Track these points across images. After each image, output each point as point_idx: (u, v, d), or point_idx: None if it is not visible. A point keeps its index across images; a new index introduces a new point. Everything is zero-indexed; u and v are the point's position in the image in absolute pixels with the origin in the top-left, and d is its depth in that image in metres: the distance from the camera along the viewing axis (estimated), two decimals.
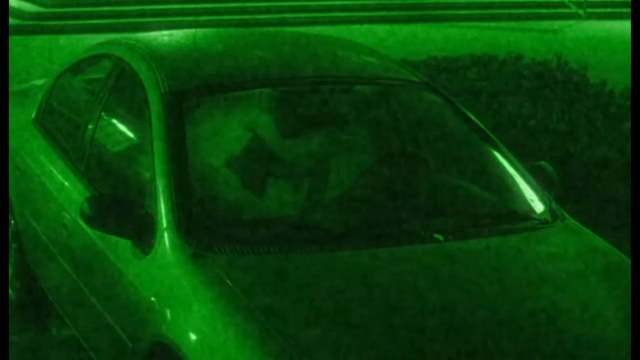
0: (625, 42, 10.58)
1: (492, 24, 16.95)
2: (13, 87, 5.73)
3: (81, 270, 4.11)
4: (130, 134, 4.34)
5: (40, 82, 5.51)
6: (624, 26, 14.85)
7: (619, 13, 17.78)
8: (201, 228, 3.48)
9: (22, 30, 14.43)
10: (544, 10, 18.13)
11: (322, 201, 3.88)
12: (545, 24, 17.19)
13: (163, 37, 4.85)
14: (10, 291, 5.15)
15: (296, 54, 4.60)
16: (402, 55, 9.57)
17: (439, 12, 17.40)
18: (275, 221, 3.71)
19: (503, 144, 4.25)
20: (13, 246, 5.17)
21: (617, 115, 6.96)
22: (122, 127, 4.42)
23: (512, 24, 17.04)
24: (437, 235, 3.61)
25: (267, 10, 16.32)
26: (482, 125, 4.31)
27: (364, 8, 17.09)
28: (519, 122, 6.72)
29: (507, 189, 4.07)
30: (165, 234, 3.50)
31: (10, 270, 5.15)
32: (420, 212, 3.84)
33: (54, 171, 4.54)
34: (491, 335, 3.16)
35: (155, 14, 15.59)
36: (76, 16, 15.40)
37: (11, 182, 4.97)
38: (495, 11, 17.65)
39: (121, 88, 4.40)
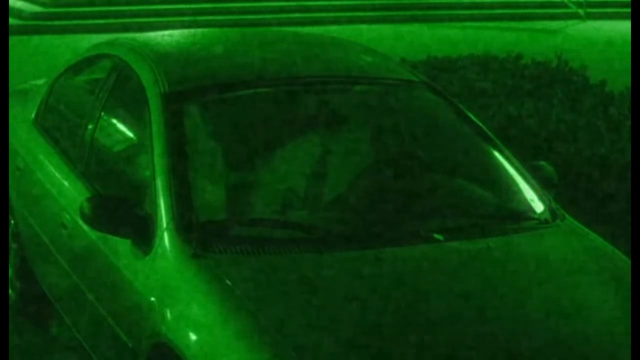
0: (625, 42, 10.57)
1: (492, 24, 16.94)
2: (13, 87, 5.72)
3: (81, 271, 4.11)
4: (130, 134, 4.34)
5: (40, 82, 5.51)
6: (624, 26, 14.84)
7: (619, 13, 17.78)
8: (201, 228, 3.48)
9: (22, 30, 14.42)
10: (544, 10, 18.13)
11: (322, 201, 3.88)
12: (545, 24, 17.18)
13: (163, 37, 4.85)
14: (10, 291, 5.15)
15: (296, 54, 4.60)
16: (402, 55, 9.56)
17: (439, 12, 17.39)
18: (275, 221, 3.70)
19: (503, 143, 4.25)
20: (13, 246, 5.17)
21: (617, 116, 6.96)
22: (122, 127, 4.42)
23: (512, 24, 17.03)
24: (437, 235, 3.61)
25: (267, 10, 16.32)
26: (482, 125, 4.31)
27: (364, 8, 17.08)
28: (518, 122, 6.72)
29: (507, 188, 4.07)
30: (165, 234, 3.50)
31: (10, 270, 5.15)
32: (421, 212, 3.84)
33: (54, 171, 4.54)
34: (491, 335, 3.16)
35: (155, 14, 15.59)
36: (76, 16, 15.40)
37: (11, 182, 4.97)
38: (495, 11, 17.65)
39: (121, 88, 4.40)
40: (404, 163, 4.16)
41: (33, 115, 5.06)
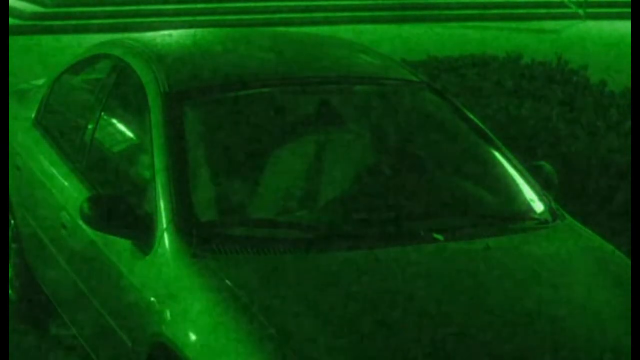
0: (625, 42, 10.57)
1: (492, 24, 16.94)
2: (13, 87, 5.72)
3: (81, 271, 4.11)
4: (130, 134, 4.34)
5: (40, 82, 5.51)
6: (624, 26, 14.84)
7: (619, 13, 17.78)
8: (201, 228, 3.48)
9: (22, 30, 14.42)
10: (544, 10, 18.12)
11: (322, 201, 3.87)
12: (545, 24, 17.18)
13: (163, 37, 4.85)
14: (10, 291, 5.15)
15: (296, 54, 4.60)
16: (402, 55, 9.57)
17: (438, 12, 17.39)
18: (275, 221, 3.71)
19: (503, 143, 4.25)
20: (13, 246, 5.17)
21: (617, 116, 6.96)
22: (122, 127, 4.42)
23: (512, 24, 17.03)
24: (437, 235, 3.61)
25: (267, 10, 16.32)
26: (482, 125, 4.31)
27: (364, 8, 17.08)
28: (519, 122, 6.72)
29: (507, 188, 4.07)
30: (165, 234, 3.50)
31: (10, 270, 5.15)
32: (420, 212, 3.84)
33: (54, 171, 4.54)
34: (491, 335, 3.16)
35: (155, 14, 15.59)
36: (76, 16, 15.39)
37: (11, 182, 4.97)
38: (495, 11, 17.64)
39: (121, 88, 4.41)
40: (404, 163, 4.16)
41: (33, 115, 5.06)
